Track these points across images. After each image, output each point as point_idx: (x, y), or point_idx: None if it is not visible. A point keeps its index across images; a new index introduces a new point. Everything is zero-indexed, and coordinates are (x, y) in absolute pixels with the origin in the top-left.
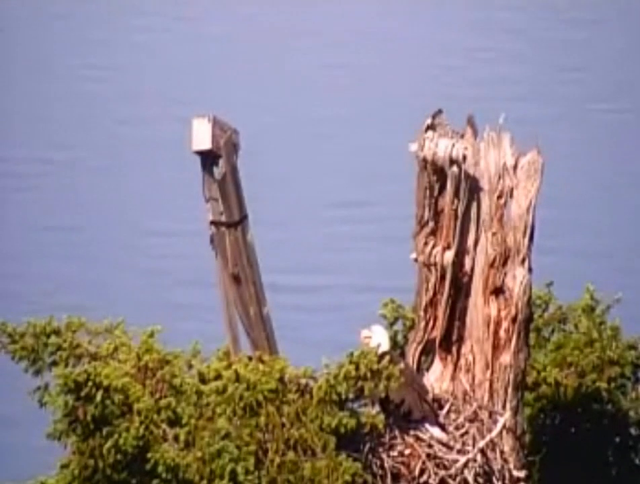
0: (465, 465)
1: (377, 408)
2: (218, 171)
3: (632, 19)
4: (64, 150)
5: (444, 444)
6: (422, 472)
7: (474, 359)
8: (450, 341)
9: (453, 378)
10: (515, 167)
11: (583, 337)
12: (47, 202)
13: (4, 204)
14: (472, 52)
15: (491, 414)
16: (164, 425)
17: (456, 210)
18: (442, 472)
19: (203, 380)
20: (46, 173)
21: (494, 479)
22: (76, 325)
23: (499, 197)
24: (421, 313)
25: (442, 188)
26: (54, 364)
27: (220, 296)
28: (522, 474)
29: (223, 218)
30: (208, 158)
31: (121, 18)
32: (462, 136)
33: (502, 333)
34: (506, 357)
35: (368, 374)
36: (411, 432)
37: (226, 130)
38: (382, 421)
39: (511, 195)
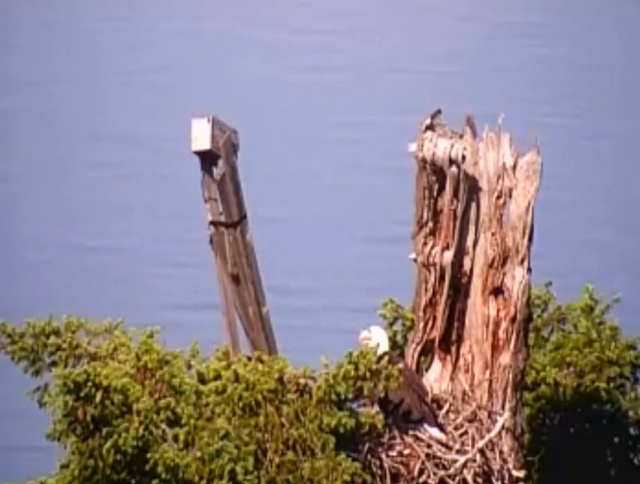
0: (464, 465)
1: (376, 408)
2: (217, 172)
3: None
4: (63, 159)
5: (443, 444)
6: (421, 472)
7: (473, 359)
8: (449, 341)
9: (452, 378)
10: (514, 167)
11: (582, 337)
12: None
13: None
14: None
15: (490, 414)
16: (163, 426)
17: (455, 210)
18: (441, 472)
19: (202, 380)
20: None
21: (493, 479)
22: (75, 325)
23: (498, 197)
24: (420, 313)
25: (441, 188)
26: (54, 364)
27: (220, 296)
28: (521, 474)
29: (222, 219)
30: (207, 159)
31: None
32: (461, 137)
33: (501, 333)
34: (505, 358)
35: (367, 374)
36: (410, 432)
37: (225, 130)
38: (381, 421)
39: (510, 196)
